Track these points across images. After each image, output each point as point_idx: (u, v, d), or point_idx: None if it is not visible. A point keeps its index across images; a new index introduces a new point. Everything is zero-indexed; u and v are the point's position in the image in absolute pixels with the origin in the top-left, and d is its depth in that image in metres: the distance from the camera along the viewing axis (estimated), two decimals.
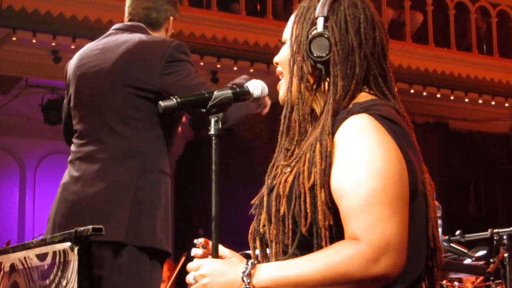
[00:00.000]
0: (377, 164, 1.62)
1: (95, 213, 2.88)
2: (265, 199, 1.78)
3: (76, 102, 3.07)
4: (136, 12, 3.15)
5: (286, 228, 1.71)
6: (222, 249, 1.96)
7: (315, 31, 1.77)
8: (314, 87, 1.80)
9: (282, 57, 1.88)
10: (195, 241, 1.93)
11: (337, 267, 1.58)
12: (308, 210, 1.67)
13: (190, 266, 1.75)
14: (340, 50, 1.75)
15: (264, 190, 1.80)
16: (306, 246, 1.69)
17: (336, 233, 1.65)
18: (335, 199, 1.65)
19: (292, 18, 1.87)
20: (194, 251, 1.91)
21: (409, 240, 1.63)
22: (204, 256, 1.91)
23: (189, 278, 1.73)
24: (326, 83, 1.78)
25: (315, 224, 1.67)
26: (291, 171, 1.74)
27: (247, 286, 1.64)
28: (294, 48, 1.82)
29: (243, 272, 1.65)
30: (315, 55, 1.76)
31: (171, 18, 3.18)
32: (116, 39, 3.05)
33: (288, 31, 1.86)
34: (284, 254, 1.74)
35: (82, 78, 3.05)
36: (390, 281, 1.60)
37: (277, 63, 1.91)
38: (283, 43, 1.90)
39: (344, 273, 1.57)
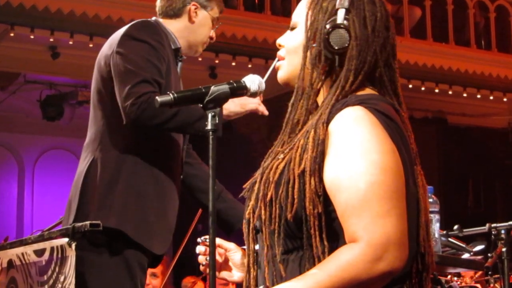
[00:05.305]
0: (374, 156, 1.61)
1: (70, 204, 2.97)
2: (257, 183, 1.76)
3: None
4: (158, 6, 3.21)
5: (273, 213, 1.69)
6: (226, 244, 1.98)
7: (334, 22, 1.73)
8: (323, 77, 1.77)
9: (294, 43, 1.83)
10: (199, 239, 1.94)
11: (342, 274, 1.56)
12: (295, 196, 1.65)
13: None
14: (358, 46, 1.73)
15: (257, 175, 1.78)
16: (291, 236, 1.68)
17: (326, 221, 1.63)
18: (329, 191, 1.63)
19: (304, 3, 1.83)
20: (198, 249, 1.93)
21: None
22: (205, 253, 1.91)
23: None
24: (335, 75, 1.76)
25: (303, 212, 1.64)
26: (283, 158, 1.72)
27: None
28: (309, 35, 1.78)
29: None
30: (333, 46, 1.73)
31: (192, 6, 3.17)
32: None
33: (299, 16, 1.83)
34: (270, 245, 1.72)
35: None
36: (397, 275, 1.59)
37: (280, 45, 1.87)
38: (292, 29, 1.85)
39: (350, 278, 1.56)
